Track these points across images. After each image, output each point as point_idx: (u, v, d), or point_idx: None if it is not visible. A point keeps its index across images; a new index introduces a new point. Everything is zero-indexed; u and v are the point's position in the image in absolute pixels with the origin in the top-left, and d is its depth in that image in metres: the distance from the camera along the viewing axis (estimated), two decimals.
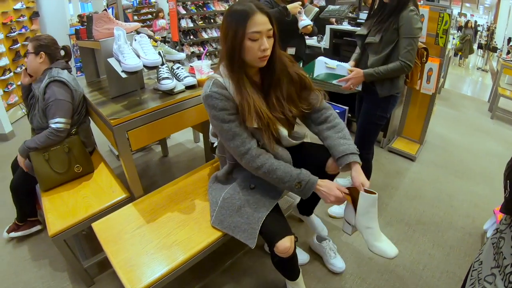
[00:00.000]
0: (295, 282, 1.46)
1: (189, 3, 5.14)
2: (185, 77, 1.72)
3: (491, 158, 2.90)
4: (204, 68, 1.71)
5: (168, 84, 1.61)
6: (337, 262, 1.72)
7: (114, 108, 1.58)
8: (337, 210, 2.15)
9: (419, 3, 1.82)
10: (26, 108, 1.96)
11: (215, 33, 5.63)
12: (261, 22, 1.10)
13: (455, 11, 11.14)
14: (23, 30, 4.10)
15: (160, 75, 1.65)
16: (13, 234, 2.03)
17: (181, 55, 1.86)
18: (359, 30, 1.84)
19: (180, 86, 1.68)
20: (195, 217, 1.44)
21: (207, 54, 5.55)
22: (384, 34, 1.66)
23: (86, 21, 1.74)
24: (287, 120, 1.30)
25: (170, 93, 1.66)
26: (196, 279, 1.61)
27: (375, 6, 1.80)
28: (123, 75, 1.44)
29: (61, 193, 1.75)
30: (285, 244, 1.18)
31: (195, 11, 5.25)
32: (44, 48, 1.80)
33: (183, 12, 5.00)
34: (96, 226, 1.45)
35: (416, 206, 2.23)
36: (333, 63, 1.73)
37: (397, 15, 1.60)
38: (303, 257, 1.76)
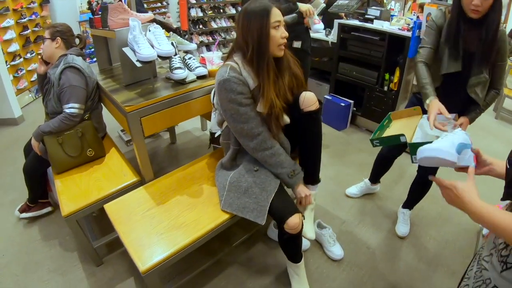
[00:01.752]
0: (296, 265, 1.54)
1: None
2: (196, 67, 1.78)
3: (493, 157, 2.93)
4: (215, 59, 1.77)
5: (180, 73, 1.67)
6: (336, 250, 1.80)
7: (128, 95, 1.65)
8: (353, 191, 2.30)
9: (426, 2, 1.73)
10: (42, 95, 2.03)
11: (224, 23, 5.64)
12: (278, 14, 1.27)
13: None
14: (33, 16, 4.14)
15: (173, 65, 1.71)
16: (24, 215, 2.11)
17: (193, 46, 1.92)
18: (445, 66, 1.50)
19: (191, 76, 1.74)
20: (203, 201, 1.52)
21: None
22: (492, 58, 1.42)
23: (101, 10, 1.79)
24: (287, 103, 1.39)
25: (182, 82, 1.72)
26: (201, 260, 1.69)
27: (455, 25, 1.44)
28: (138, 64, 1.50)
29: (73, 175, 1.83)
30: (294, 221, 1.28)
31: (205, 0, 5.26)
32: (60, 33, 1.86)
33: (193, 1, 5.02)
34: (108, 207, 1.53)
35: None
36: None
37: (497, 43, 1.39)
38: (304, 243, 1.84)
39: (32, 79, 4.18)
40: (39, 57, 1.98)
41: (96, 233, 1.95)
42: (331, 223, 1.99)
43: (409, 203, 2.02)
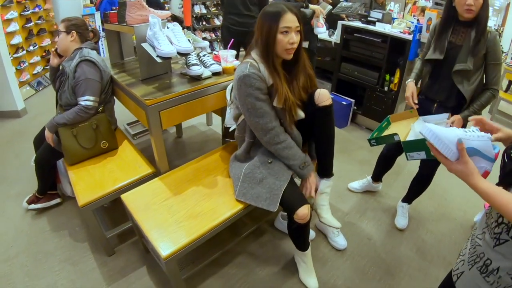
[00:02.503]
0: (304, 253, 1.64)
1: None
2: (211, 64, 1.85)
3: None
4: (229, 57, 1.85)
5: (197, 70, 1.74)
6: (340, 240, 1.89)
7: (146, 89, 1.71)
8: (355, 185, 2.41)
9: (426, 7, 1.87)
10: (54, 88, 2.06)
11: None
12: (291, 20, 1.32)
13: None
14: (37, 9, 4.13)
15: (190, 61, 1.77)
16: (32, 206, 2.12)
17: (205, 43, 1.99)
18: (429, 53, 1.69)
19: (207, 73, 1.81)
20: (218, 191, 1.59)
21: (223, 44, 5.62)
22: (475, 59, 1.53)
23: (119, 5, 1.84)
24: (302, 101, 1.51)
25: (198, 78, 1.79)
26: (212, 250, 1.75)
27: (444, 24, 1.62)
28: (158, 60, 1.57)
29: (87, 167, 1.87)
30: (303, 211, 1.38)
31: None
32: (75, 27, 1.89)
33: None
34: (125, 197, 1.59)
35: None
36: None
37: (485, 38, 1.49)
38: (310, 234, 1.93)
39: (34, 72, 4.17)
40: (53, 49, 2.00)
41: (107, 224, 2.00)
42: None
43: (409, 198, 2.13)
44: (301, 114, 1.49)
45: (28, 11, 3.96)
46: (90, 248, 1.89)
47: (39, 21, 4.23)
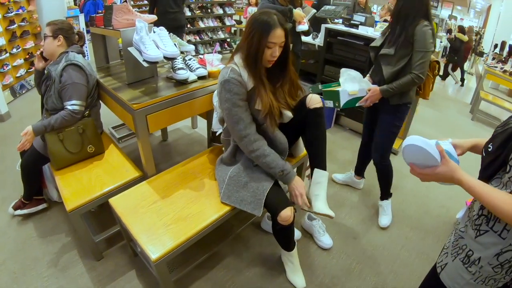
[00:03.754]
0: (290, 253, 1.67)
1: None
2: (197, 68, 1.87)
3: (468, 156, 3.16)
4: (215, 61, 1.87)
5: (183, 74, 1.76)
6: (326, 239, 1.94)
7: (133, 93, 1.72)
8: (338, 177, 2.53)
9: None
10: (39, 92, 2.03)
11: (211, 23, 5.73)
12: (278, 36, 1.35)
13: (446, 13, 11.49)
14: (20, 11, 4.06)
15: (176, 65, 1.79)
16: (19, 212, 2.09)
17: (191, 47, 2.00)
18: (372, 42, 1.93)
19: (192, 76, 1.83)
20: (205, 194, 1.62)
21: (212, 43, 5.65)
22: (398, 47, 1.73)
23: (104, 9, 1.84)
24: (289, 106, 1.55)
25: (184, 82, 1.81)
26: (200, 252, 1.77)
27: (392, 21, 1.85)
28: (145, 64, 1.58)
29: (74, 171, 1.86)
30: (286, 213, 1.41)
31: (193, 0, 5.32)
32: (62, 31, 1.87)
33: None
34: (113, 201, 1.59)
35: (397, 195, 2.47)
36: (354, 88, 1.82)
37: (413, 29, 1.67)
38: (296, 234, 1.96)
39: (18, 75, 4.10)
40: (38, 53, 1.98)
41: (94, 228, 1.98)
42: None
43: (381, 194, 2.22)
44: (288, 114, 1.52)
45: (11, 12, 3.89)
46: (78, 253, 1.88)
47: (23, 23, 4.16)
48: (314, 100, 1.54)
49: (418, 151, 0.87)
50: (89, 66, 1.92)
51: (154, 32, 1.68)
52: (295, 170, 1.76)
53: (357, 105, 1.88)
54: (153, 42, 1.62)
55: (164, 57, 1.62)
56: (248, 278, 1.75)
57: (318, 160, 1.60)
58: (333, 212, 1.48)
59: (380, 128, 1.99)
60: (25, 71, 4.25)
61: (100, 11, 2.03)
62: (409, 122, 3.15)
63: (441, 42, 5.83)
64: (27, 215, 2.12)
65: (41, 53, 1.96)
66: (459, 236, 0.94)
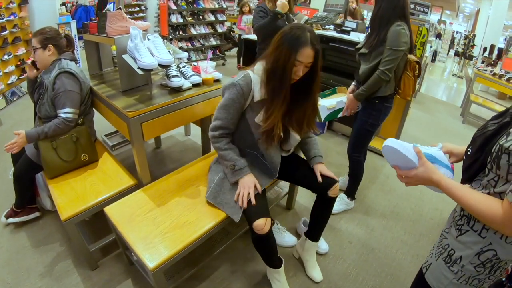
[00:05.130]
0: (276, 271, 1.62)
1: None
2: (191, 76, 1.87)
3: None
4: (209, 68, 1.88)
5: (178, 81, 1.77)
6: (322, 244, 1.95)
7: (127, 101, 1.71)
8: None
9: None
10: (32, 100, 2.02)
11: (203, 30, 5.76)
12: (307, 55, 1.30)
13: (435, 18, 11.68)
14: (12, 17, 4.03)
15: (170, 73, 1.79)
16: (11, 220, 2.07)
17: (185, 54, 2.01)
18: (358, 45, 2.00)
19: (187, 84, 1.83)
20: (201, 201, 1.62)
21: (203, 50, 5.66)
22: (373, 47, 1.81)
23: (98, 16, 1.83)
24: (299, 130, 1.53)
25: (178, 89, 1.81)
26: (196, 260, 1.75)
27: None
28: (140, 72, 1.58)
29: (68, 180, 1.85)
30: (259, 223, 1.37)
31: (185, 7, 5.34)
32: (51, 40, 1.85)
33: (174, 7, 5.09)
34: (108, 210, 1.58)
35: (390, 198, 2.50)
36: (332, 102, 1.89)
37: (386, 31, 1.75)
38: (291, 239, 1.98)
39: (9, 82, 4.05)
40: (29, 62, 1.97)
41: (89, 237, 1.96)
42: None
43: (347, 189, 2.32)
44: (296, 137, 1.52)
45: (3, 19, 3.86)
46: (73, 263, 1.85)
47: (14, 29, 4.13)
48: (336, 190, 1.61)
49: (395, 154, 0.91)
50: (82, 74, 1.91)
51: (148, 39, 1.69)
52: None
53: (339, 116, 1.99)
54: (148, 50, 1.62)
55: (159, 65, 1.62)
56: (244, 285, 1.75)
57: (314, 234, 1.75)
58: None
59: (355, 122, 2.08)
60: (17, 77, 4.22)
61: (92, 18, 2.02)
62: (402, 125, 3.19)
63: (431, 46, 5.93)
64: (20, 224, 2.10)
65: (32, 62, 1.95)
66: (443, 236, 0.97)
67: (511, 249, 0.81)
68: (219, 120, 1.46)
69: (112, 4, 2.38)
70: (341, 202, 2.29)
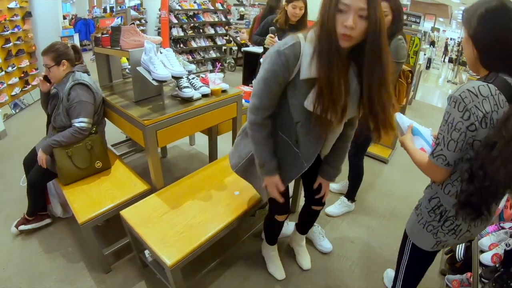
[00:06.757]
0: (273, 248, 1.87)
1: (180, 12, 5.39)
2: (200, 87, 1.99)
3: None
4: (217, 80, 2.00)
5: (189, 92, 1.88)
6: (325, 244, 2.06)
7: (141, 110, 1.82)
8: (335, 186, 2.67)
9: None
10: (46, 112, 2.11)
11: (203, 43, 5.91)
12: None
13: (429, 26, 12.02)
14: (16, 30, 4.12)
15: (181, 84, 1.90)
16: (23, 227, 2.10)
17: (192, 67, 2.12)
18: None
19: (197, 95, 1.95)
20: (213, 203, 1.72)
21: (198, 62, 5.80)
22: None
23: (112, 31, 1.94)
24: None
25: (189, 100, 1.92)
26: (208, 260, 1.83)
27: None
28: (154, 83, 1.69)
29: (82, 186, 1.93)
30: (280, 217, 1.61)
31: (186, 20, 5.49)
32: (63, 56, 1.93)
33: (175, 21, 5.23)
34: (124, 213, 1.66)
35: (389, 201, 2.62)
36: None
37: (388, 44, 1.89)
38: (289, 227, 2.11)
39: (13, 93, 4.12)
40: (40, 77, 2.04)
41: (101, 242, 2.01)
42: (319, 222, 2.24)
43: (347, 192, 2.44)
44: (339, 128, 1.30)
45: (7, 31, 3.95)
46: (86, 267, 1.90)
47: (18, 42, 4.21)
48: (318, 209, 1.71)
49: (398, 124, 1.28)
50: (95, 85, 2.00)
51: (161, 53, 1.80)
52: None
53: None
54: (161, 62, 1.73)
55: (172, 76, 1.73)
56: (254, 283, 1.84)
57: (304, 229, 1.90)
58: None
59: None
60: (20, 89, 4.28)
61: (105, 33, 2.13)
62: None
63: (424, 54, 6.14)
64: (32, 231, 2.14)
65: (45, 76, 2.02)
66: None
67: (447, 198, 1.06)
68: (257, 97, 1.19)
69: (120, 18, 2.51)
70: (342, 205, 2.40)
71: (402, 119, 1.28)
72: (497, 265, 1.32)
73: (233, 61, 6.57)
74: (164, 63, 1.75)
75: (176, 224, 1.57)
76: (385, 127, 1.15)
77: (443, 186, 1.06)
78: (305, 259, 1.95)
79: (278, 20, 2.61)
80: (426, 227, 1.13)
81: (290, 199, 2.08)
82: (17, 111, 4.16)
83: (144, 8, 7.16)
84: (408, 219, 1.27)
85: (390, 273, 1.86)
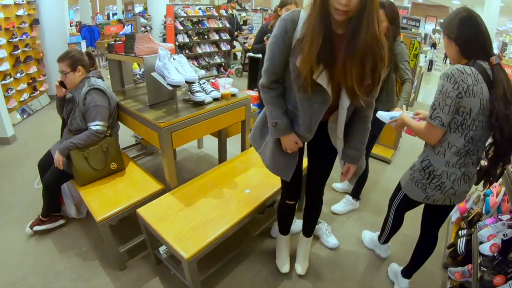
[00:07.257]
0: (286, 237, 1.93)
1: (185, 19, 5.51)
2: (211, 91, 2.09)
3: None
4: (226, 84, 2.10)
5: (201, 96, 1.98)
6: (332, 240, 2.15)
7: (156, 114, 1.91)
8: (339, 186, 2.74)
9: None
10: (61, 116, 2.19)
11: (208, 48, 6.02)
12: None
13: (430, 28, 12.13)
14: (24, 37, 4.21)
15: (193, 88, 2.00)
16: (37, 228, 2.16)
17: (202, 72, 2.21)
18: None
19: (208, 98, 2.05)
20: (226, 201, 1.81)
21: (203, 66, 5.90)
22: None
23: (126, 38, 2.04)
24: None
25: (201, 103, 2.02)
26: (221, 255, 1.87)
27: None
28: (169, 88, 1.79)
29: (97, 187, 2.01)
30: (289, 204, 1.73)
31: (191, 27, 5.61)
32: (79, 62, 2.01)
33: (180, 27, 5.35)
34: (141, 211, 1.75)
35: None
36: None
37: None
38: (297, 224, 2.18)
39: (21, 99, 4.21)
40: (56, 83, 2.11)
41: (117, 240, 2.08)
42: (326, 220, 2.33)
43: (352, 190, 2.54)
44: (345, 102, 1.24)
45: (15, 38, 4.04)
46: (101, 265, 1.96)
47: (26, 49, 4.31)
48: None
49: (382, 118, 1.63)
50: (109, 90, 2.09)
51: (174, 59, 1.90)
52: None
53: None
54: (175, 68, 1.83)
55: (185, 81, 1.83)
56: (264, 277, 1.92)
57: (308, 230, 1.91)
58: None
59: None
60: (28, 95, 4.37)
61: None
62: (400, 133, 3.41)
63: (425, 56, 6.25)
64: (46, 232, 2.19)
65: (61, 82, 2.10)
66: None
67: (437, 158, 1.35)
68: (266, 61, 1.28)
69: (130, 26, 2.61)
70: (347, 203, 2.49)
71: (381, 115, 1.59)
72: (495, 254, 1.41)
73: (240, 67, 6.68)
74: (178, 69, 1.84)
75: (191, 221, 1.65)
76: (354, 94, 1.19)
77: (434, 148, 1.37)
78: (301, 265, 1.93)
79: (272, 25, 2.72)
80: (417, 184, 1.44)
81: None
82: (24, 116, 4.24)
83: (149, 15, 7.25)
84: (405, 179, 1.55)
85: (394, 267, 1.94)
